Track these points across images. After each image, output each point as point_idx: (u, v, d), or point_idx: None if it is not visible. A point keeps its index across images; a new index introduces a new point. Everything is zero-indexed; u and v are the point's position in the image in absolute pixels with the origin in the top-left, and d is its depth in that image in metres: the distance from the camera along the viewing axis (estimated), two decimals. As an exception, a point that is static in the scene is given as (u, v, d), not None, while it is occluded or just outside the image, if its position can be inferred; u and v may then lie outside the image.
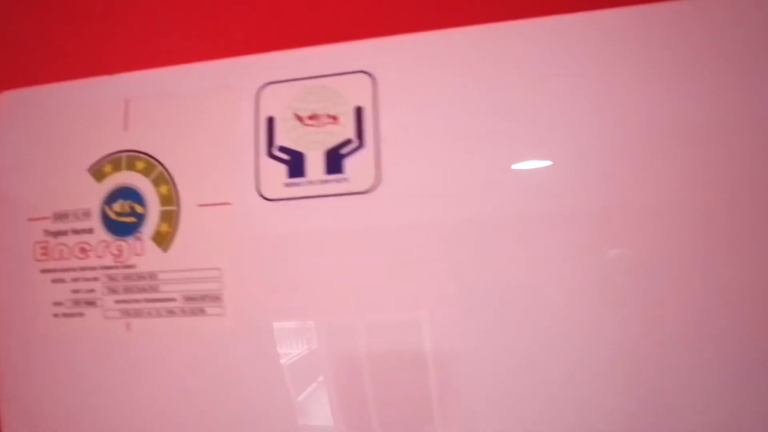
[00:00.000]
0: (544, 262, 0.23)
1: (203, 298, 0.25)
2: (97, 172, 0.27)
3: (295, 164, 0.25)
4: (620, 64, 0.24)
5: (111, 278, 0.27)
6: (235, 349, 0.25)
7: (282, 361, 0.25)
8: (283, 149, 0.25)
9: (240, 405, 0.25)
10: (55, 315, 0.27)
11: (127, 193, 0.27)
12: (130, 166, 0.27)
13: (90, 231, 0.27)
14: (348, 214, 0.24)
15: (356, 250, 0.24)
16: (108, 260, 0.27)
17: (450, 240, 0.24)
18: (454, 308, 0.24)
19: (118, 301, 0.26)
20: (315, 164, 0.25)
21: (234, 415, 0.25)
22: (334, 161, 0.24)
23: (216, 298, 0.25)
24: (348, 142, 0.24)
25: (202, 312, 0.25)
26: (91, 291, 0.27)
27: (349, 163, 0.24)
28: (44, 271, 0.27)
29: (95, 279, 0.27)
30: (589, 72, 0.24)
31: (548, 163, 0.24)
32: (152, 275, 0.26)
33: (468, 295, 0.24)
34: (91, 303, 0.27)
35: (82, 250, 0.27)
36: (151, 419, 0.26)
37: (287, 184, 0.25)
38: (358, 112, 0.25)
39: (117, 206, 0.27)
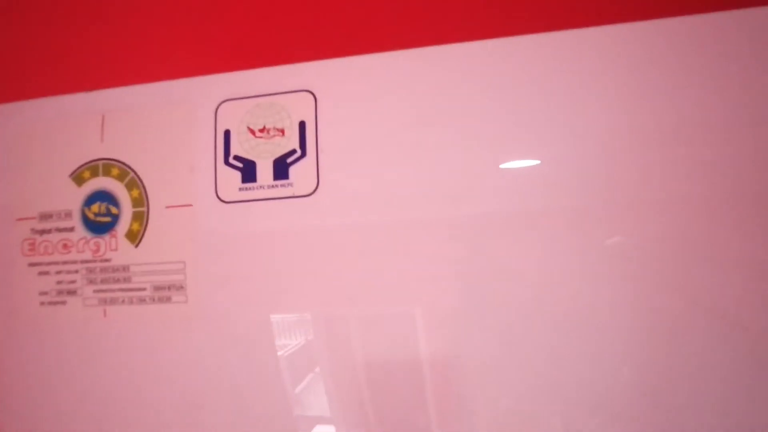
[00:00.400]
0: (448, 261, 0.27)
1: (169, 287, 0.29)
2: (77, 177, 0.31)
3: (248, 171, 0.29)
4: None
5: (90, 271, 0.30)
6: (195, 332, 0.29)
7: (237, 342, 0.29)
8: (237, 158, 0.29)
9: (200, 379, 0.29)
10: (42, 303, 0.31)
11: (104, 196, 0.30)
12: (106, 173, 0.30)
13: (71, 229, 0.31)
14: (292, 215, 0.28)
15: (300, 246, 0.28)
16: (87, 255, 0.30)
17: (383, 238, 0.28)
18: (388, 300, 0.28)
19: (96, 291, 0.30)
20: (265, 171, 0.28)
21: (196, 386, 0.29)
22: (281, 169, 0.28)
23: (180, 288, 0.29)
24: (293, 152, 0.28)
25: (168, 300, 0.29)
26: (73, 282, 0.30)
27: (293, 171, 0.28)
28: (31, 264, 0.31)
29: (76, 271, 0.30)
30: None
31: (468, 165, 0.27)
32: (125, 268, 0.30)
33: (400, 289, 0.28)
34: (72, 292, 0.30)
35: (65, 246, 0.31)
36: (125, 393, 0.30)
37: (241, 189, 0.29)
38: (302, 125, 0.28)
39: (95, 207, 0.30)
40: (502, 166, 0.27)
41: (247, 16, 0.31)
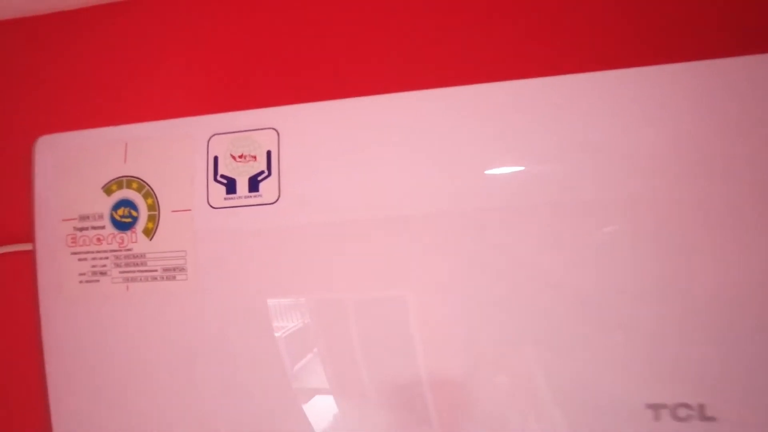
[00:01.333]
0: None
1: (174, 269, 0.40)
2: (107, 189, 0.42)
3: (230, 186, 0.40)
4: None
5: (116, 257, 0.42)
6: (194, 303, 0.40)
7: (226, 310, 0.40)
8: (223, 176, 0.40)
9: (200, 339, 0.40)
10: (80, 281, 0.42)
11: (127, 202, 0.42)
12: (129, 186, 0.42)
13: (103, 227, 0.42)
14: (261, 218, 0.39)
15: (267, 242, 0.39)
16: (114, 246, 0.42)
17: (334, 238, 0.39)
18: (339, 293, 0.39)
19: (121, 272, 0.42)
20: (242, 186, 0.40)
21: (196, 344, 0.40)
22: (253, 184, 0.39)
23: (182, 269, 0.40)
24: (262, 172, 0.39)
25: (174, 278, 0.41)
26: (104, 266, 0.42)
27: (262, 186, 0.39)
28: (73, 253, 0.42)
29: (106, 258, 0.42)
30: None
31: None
32: (142, 255, 0.41)
33: (354, 283, 0.39)
34: (103, 273, 0.42)
35: (98, 240, 0.42)
36: (142, 350, 0.41)
37: (225, 198, 0.40)
38: (269, 153, 0.40)
39: (120, 211, 0.42)
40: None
41: (232, 75, 0.42)
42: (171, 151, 0.41)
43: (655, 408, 0.36)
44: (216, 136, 0.41)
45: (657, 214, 0.36)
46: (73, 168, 0.43)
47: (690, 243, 0.36)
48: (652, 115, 0.37)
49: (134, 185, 0.42)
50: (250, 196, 0.40)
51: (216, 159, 0.40)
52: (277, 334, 0.40)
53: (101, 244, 0.42)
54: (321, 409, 0.41)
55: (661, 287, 0.36)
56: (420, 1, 0.52)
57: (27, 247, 0.57)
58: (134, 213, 0.41)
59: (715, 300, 0.36)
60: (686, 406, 0.35)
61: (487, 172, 0.38)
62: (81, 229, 0.42)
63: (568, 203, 0.37)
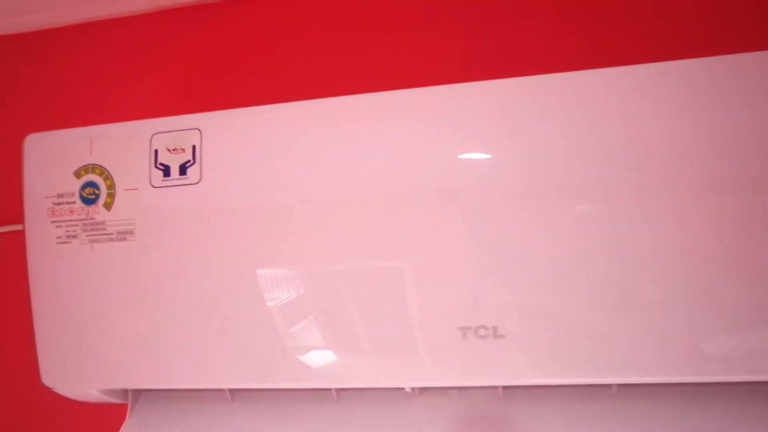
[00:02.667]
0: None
1: (126, 232, 0.55)
2: (77, 174, 0.56)
3: (166, 171, 0.54)
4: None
5: (84, 225, 0.56)
6: (140, 258, 0.55)
7: (163, 262, 0.54)
8: (161, 164, 0.54)
9: (146, 284, 0.55)
10: (57, 243, 0.56)
11: (91, 184, 0.56)
12: (93, 171, 0.56)
13: (74, 202, 0.56)
14: (188, 194, 0.54)
15: (191, 212, 0.53)
16: (82, 216, 0.56)
17: (240, 211, 0.53)
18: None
19: (87, 235, 0.56)
20: (174, 171, 0.54)
21: (143, 288, 0.55)
22: (182, 170, 0.54)
23: (132, 233, 0.55)
24: (189, 161, 0.54)
25: (125, 239, 0.55)
26: (74, 231, 0.56)
27: (188, 171, 0.54)
28: (52, 222, 0.57)
29: (76, 225, 0.56)
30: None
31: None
32: (103, 222, 0.55)
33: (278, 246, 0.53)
34: (74, 236, 0.56)
35: (70, 212, 0.56)
36: (106, 294, 0.56)
37: (162, 180, 0.54)
38: (194, 147, 0.54)
39: (87, 190, 0.56)
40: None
41: (167, 88, 0.57)
42: (124, 145, 0.56)
43: (463, 329, 0.50)
44: (156, 135, 0.55)
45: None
46: (53, 158, 0.57)
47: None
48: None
49: (97, 171, 0.56)
50: (180, 179, 0.54)
51: (156, 151, 0.55)
52: (202, 282, 0.54)
53: (73, 214, 0.56)
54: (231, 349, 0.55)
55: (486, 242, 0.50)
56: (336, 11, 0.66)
57: (20, 227, 0.71)
58: (97, 191, 0.56)
59: (514, 253, 0.50)
60: (484, 327, 0.49)
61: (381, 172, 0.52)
62: (58, 204, 0.57)
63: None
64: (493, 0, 0.63)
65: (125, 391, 0.64)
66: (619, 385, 0.54)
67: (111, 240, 0.55)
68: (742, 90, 0.47)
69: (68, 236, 0.56)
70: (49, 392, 0.60)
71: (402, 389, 0.57)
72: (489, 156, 0.50)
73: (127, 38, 0.68)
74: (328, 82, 0.64)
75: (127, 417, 0.63)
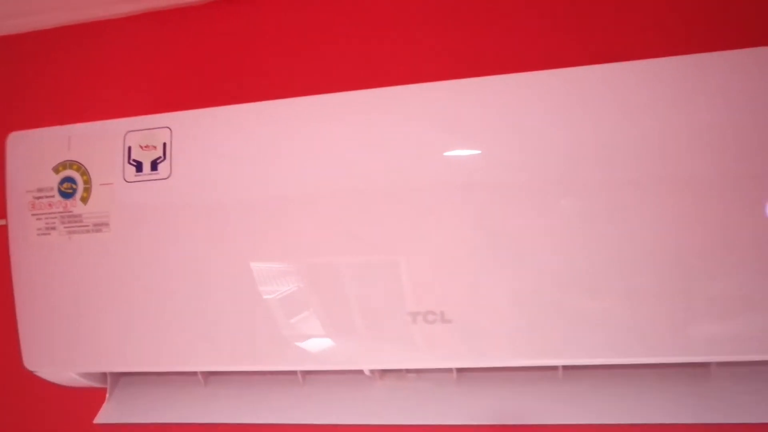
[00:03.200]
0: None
1: (101, 224, 0.58)
2: (56, 169, 0.60)
3: (139, 166, 0.58)
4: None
5: (62, 217, 0.59)
6: (114, 247, 0.58)
7: (135, 252, 0.58)
8: (134, 160, 0.58)
9: (119, 273, 0.58)
10: (38, 234, 0.60)
11: (69, 179, 0.59)
12: (71, 167, 0.60)
13: (53, 196, 0.60)
14: (158, 188, 0.57)
15: (162, 204, 0.57)
16: (61, 209, 0.60)
17: (207, 204, 0.56)
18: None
19: (65, 227, 0.59)
20: (146, 167, 0.57)
21: (117, 276, 0.58)
22: (154, 166, 0.57)
23: (107, 224, 0.58)
24: (159, 157, 0.57)
25: (100, 230, 0.58)
26: (53, 223, 0.60)
27: (159, 166, 0.57)
28: (33, 214, 0.60)
29: (55, 217, 0.60)
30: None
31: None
32: (80, 215, 0.59)
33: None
34: (53, 228, 0.60)
35: (50, 205, 0.60)
36: (82, 281, 0.59)
37: (135, 175, 0.58)
38: (164, 145, 0.57)
39: (65, 185, 0.60)
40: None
41: (141, 89, 0.61)
42: (100, 143, 0.59)
43: (413, 315, 0.53)
44: (130, 133, 0.59)
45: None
46: (34, 155, 0.61)
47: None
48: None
49: (75, 167, 0.60)
50: (151, 174, 0.58)
51: (129, 148, 0.58)
52: (173, 271, 0.58)
53: (52, 208, 0.60)
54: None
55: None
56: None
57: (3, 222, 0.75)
58: (74, 186, 0.59)
59: (461, 243, 0.54)
60: (433, 313, 0.53)
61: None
62: (38, 198, 0.60)
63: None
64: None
65: (104, 376, 0.67)
66: (565, 367, 0.58)
67: (87, 231, 0.59)
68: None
69: (48, 228, 0.60)
70: (33, 376, 0.64)
71: (364, 374, 0.61)
72: (438, 149, 0.54)
73: (104, 42, 0.72)
74: (301, 84, 0.68)
75: (106, 400, 0.67)
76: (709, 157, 0.50)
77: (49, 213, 0.60)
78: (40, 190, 0.60)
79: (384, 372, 0.62)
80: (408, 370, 0.62)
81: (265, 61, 0.70)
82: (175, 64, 0.70)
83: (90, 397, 0.68)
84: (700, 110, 0.50)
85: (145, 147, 0.57)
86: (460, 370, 0.60)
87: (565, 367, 0.58)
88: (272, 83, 0.69)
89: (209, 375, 0.66)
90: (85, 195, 0.59)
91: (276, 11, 0.71)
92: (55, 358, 0.61)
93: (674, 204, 0.51)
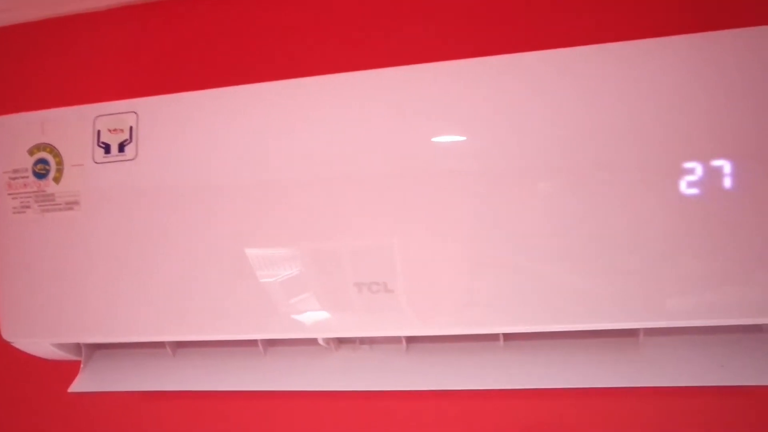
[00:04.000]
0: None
1: (72, 203, 0.62)
2: (30, 152, 0.64)
3: (107, 148, 0.62)
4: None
5: (36, 196, 0.64)
6: (84, 224, 0.62)
7: (103, 228, 0.62)
8: (103, 143, 0.62)
9: (88, 247, 0.62)
10: (13, 213, 0.64)
11: (43, 160, 0.64)
12: (44, 150, 0.64)
13: (27, 177, 0.64)
14: (125, 169, 0.61)
15: (128, 184, 0.61)
16: (35, 189, 0.64)
17: (170, 185, 0.61)
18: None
19: (39, 206, 0.63)
20: (114, 149, 0.62)
21: (87, 251, 0.62)
22: (121, 148, 0.61)
23: (77, 203, 0.62)
24: (126, 140, 0.61)
25: (72, 209, 0.62)
26: (28, 202, 0.64)
27: (126, 148, 0.61)
28: (9, 194, 0.64)
29: (29, 197, 0.64)
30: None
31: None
32: (52, 194, 0.63)
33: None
34: (28, 206, 0.64)
35: (24, 185, 0.64)
36: (54, 256, 0.63)
37: (104, 156, 0.62)
38: (131, 128, 0.61)
39: (38, 166, 0.64)
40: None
41: (107, 78, 0.65)
42: (71, 127, 0.63)
43: (359, 285, 0.58)
44: (99, 117, 0.63)
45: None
46: (10, 138, 0.65)
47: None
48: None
49: (48, 149, 0.64)
50: (119, 155, 0.62)
51: (99, 132, 0.63)
52: (138, 245, 0.62)
53: (26, 188, 0.64)
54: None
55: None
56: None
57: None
58: (48, 167, 0.64)
59: (402, 214, 0.58)
60: (376, 283, 0.57)
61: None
62: (14, 178, 0.65)
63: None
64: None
65: (79, 349, 0.71)
66: (505, 335, 0.62)
67: (59, 209, 0.63)
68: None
69: (23, 207, 0.64)
70: (10, 347, 0.68)
71: (321, 345, 0.65)
72: (382, 132, 0.58)
73: (76, 35, 0.76)
74: (261, 72, 0.72)
75: (80, 371, 0.71)
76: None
77: (24, 192, 0.64)
78: (15, 171, 0.64)
79: (339, 344, 0.67)
80: (362, 342, 0.67)
81: (233, 49, 0.74)
82: (141, 54, 0.75)
83: (66, 370, 0.72)
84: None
85: (113, 130, 0.61)
86: (409, 341, 0.64)
87: (506, 335, 0.62)
88: (238, 71, 0.73)
89: (177, 347, 0.70)
90: (57, 175, 0.63)
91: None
92: (30, 329, 0.66)
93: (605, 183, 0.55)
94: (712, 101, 0.52)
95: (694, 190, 0.52)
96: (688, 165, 0.52)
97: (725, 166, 0.52)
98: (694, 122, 0.52)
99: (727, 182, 0.52)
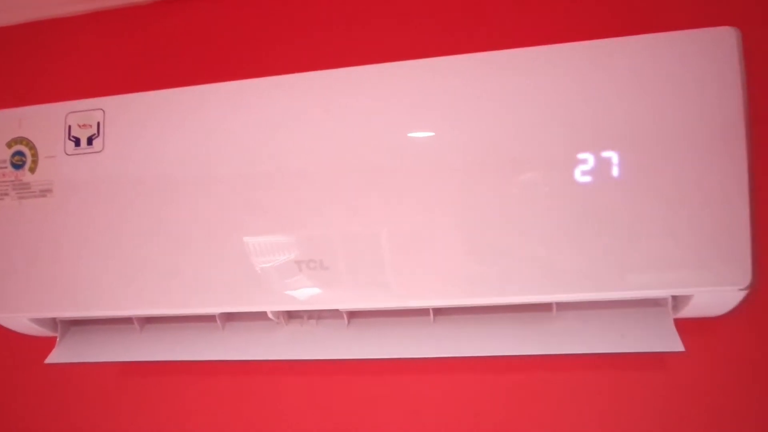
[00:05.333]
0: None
1: (46, 191, 0.69)
2: (8, 144, 0.71)
3: (77, 142, 0.69)
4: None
5: (14, 185, 0.71)
6: (56, 209, 0.69)
7: (73, 212, 0.69)
8: (73, 136, 0.69)
9: (61, 230, 0.69)
10: (-6, 200, 0.71)
11: (20, 152, 0.71)
12: (21, 143, 0.71)
13: (6, 167, 0.71)
14: (93, 160, 0.68)
15: (95, 176, 0.68)
16: (12, 178, 0.71)
17: (133, 176, 0.68)
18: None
19: (17, 194, 0.71)
20: (84, 142, 0.69)
21: (62, 233, 0.69)
22: (90, 141, 0.69)
23: (51, 191, 0.69)
24: (94, 134, 0.69)
25: (45, 196, 0.70)
26: (6, 190, 0.71)
27: (94, 142, 0.68)
28: (-11, 183, 0.72)
29: (8, 185, 0.71)
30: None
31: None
32: (28, 183, 0.70)
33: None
34: (6, 194, 0.71)
35: (3, 175, 0.71)
36: (30, 238, 0.70)
37: (75, 149, 0.69)
38: (98, 123, 0.69)
39: (15, 158, 0.71)
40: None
41: (78, 79, 0.72)
42: (45, 122, 0.71)
43: (299, 263, 0.65)
44: (70, 114, 0.70)
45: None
46: (-8, 133, 0.72)
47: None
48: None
49: (24, 142, 0.71)
50: (87, 148, 0.69)
51: (70, 127, 0.70)
52: (105, 228, 0.69)
53: (5, 177, 0.71)
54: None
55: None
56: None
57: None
58: (24, 159, 0.71)
59: (335, 197, 0.65)
60: (314, 261, 0.65)
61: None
62: (-7, 169, 0.72)
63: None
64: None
65: (55, 324, 0.78)
66: (435, 310, 0.70)
67: (35, 197, 0.70)
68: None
69: (1, 194, 0.71)
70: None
71: (273, 320, 0.73)
72: (323, 131, 0.65)
73: (51, 40, 0.84)
74: (215, 73, 0.79)
75: (56, 345, 0.78)
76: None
77: (3, 182, 0.71)
78: (-6, 162, 0.71)
79: (289, 318, 0.74)
80: (309, 317, 0.74)
81: (194, 51, 0.81)
82: (109, 57, 0.82)
83: (44, 345, 0.79)
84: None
85: (82, 125, 0.68)
86: (350, 316, 0.72)
87: (436, 310, 0.70)
88: (199, 72, 0.80)
89: (145, 322, 0.77)
90: (32, 166, 0.70)
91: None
92: (9, 305, 0.73)
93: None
94: (602, 102, 0.60)
95: (587, 178, 0.60)
96: (582, 156, 0.59)
97: (613, 157, 0.59)
98: (588, 120, 0.60)
99: (615, 171, 0.59)
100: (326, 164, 0.65)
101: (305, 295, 0.66)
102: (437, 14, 0.77)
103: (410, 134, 0.64)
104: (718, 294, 0.61)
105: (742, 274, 0.58)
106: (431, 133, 0.64)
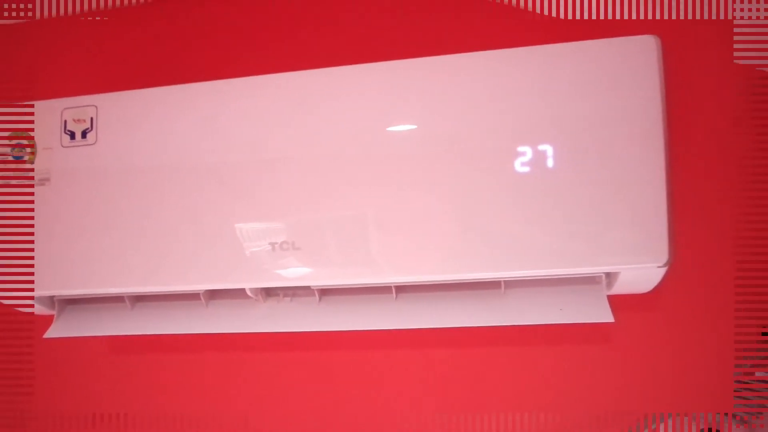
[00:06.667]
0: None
1: (44, 179, 0.77)
2: (10, 137, 0.78)
3: (72, 135, 0.76)
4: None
5: (15, 173, 0.78)
6: (53, 195, 0.77)
7: (71, 199, 0.76)
8: (68, 130, 0.76)
9: (57, 214, 0.77)
10: (-3, 187, 0.79)
11: (20, 144, 0.78)
12: (21, 135, 0.78)
13: (8, 158, 0.78)
14: (87, 152, 0.76)
15: (89, 167, 0.76)
16: (14, 167, 0.78)
17: (124, 166, 0.75)
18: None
19: (17, 182, 0.78)
20: (78, 135, 0.76)
21: (57, 217, 0.77)
22: (84, 134, 0.76)
23: (48, 179, 0.77)
24: (88, 128, 0.76)
25: (44, 184, 0.77)
26: (10, 177, 0.78)
27: (88, 135, 0.76)
28: (-8, 172, 0.79)
29: (11, 173, 0.78)
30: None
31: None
32: (29, 170, 0.77)
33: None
34: (8, 182, 0.78)
35: (5, 164, 0.78)
36: (28, 222, 0.78)
37: (70, 141, 0.76)
38: (92, 119, 0.76)
39: (16, 150, 0.78)
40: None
41: (73, 78, 0.79)
42: (43, 117, 0.78)
43: (273, 245, 0.73)
44: (66, 109, 0.77)
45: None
46: (-7, 127, 0.79)
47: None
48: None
49: (24, 135, 0.78)
50: (82, 141, 0.76)
51: (66, 121, 0.77)
52: (98, 212, 0.76)
53: (7, 166, 0.78)
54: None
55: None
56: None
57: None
58: (24, 150, 0.78)
59: (306, 181, 0.73)
60: (287, 243, 0.72)
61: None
62: (-3, 160, 0.79)
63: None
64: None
65: (52, 303, 0.86)
66: (396, 287, 0.78)
67: (34, 185, 0.77)
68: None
69: (4, 183, 0.78)
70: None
71: (252, 298, 0.80)
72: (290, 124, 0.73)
73: (48, 39, 0.91)
74: (204, 72, 0.87)
75: (53, 321, 0.86)
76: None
77: (6, 169, 0.78)
78: (-2, 154, 0.79)
79: (267, 296, 0.82)
80: (285, 294, 0.82)
81: (181, 50, 0.89)
82: (102, 57, 0.90)
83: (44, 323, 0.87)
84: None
85: (77, 120, 0.75)
86: (322, 293, 0.80)
87: (397, 288, 0.78)
88: (186, 70, 0.88)
89: (135, 300, 0.85)
90: (32, 157, 0.77)
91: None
92: (9, 283, 0.80)
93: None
94: (540, 102, 0.68)
95: (526, 169, 0.68)
96: (521, 149, 0.68)
97: (549, 149, 0.67)
98: (527, 118, 0.68)
99: (550, 162, 0.67)
100: (300, 158, 0.73)
101: (279, 273, 0.74)
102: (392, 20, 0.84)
103: (373, 127, 0.72)
104: (641, 271, 0.69)
105: (660, 252, 0.66)
106: (394, 127, 0.71)
